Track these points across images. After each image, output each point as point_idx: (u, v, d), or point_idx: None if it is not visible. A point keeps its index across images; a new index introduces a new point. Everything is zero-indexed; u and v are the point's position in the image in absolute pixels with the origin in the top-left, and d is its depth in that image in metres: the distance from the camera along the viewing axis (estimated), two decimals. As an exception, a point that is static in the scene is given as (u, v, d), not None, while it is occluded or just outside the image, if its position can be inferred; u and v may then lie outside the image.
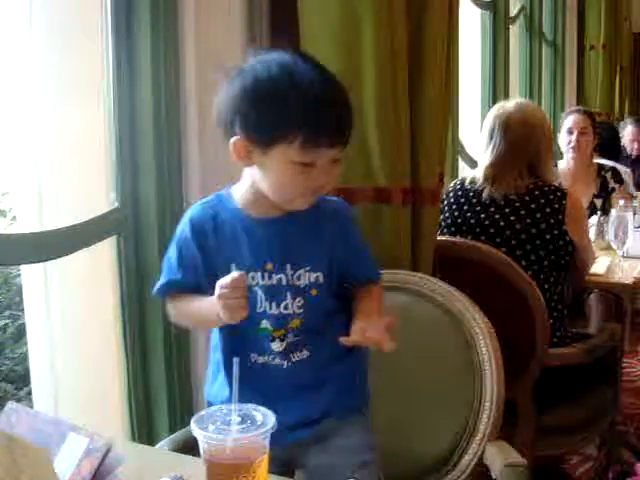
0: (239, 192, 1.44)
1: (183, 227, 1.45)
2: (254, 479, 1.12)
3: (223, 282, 1.30)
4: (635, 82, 13.76)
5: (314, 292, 1.43)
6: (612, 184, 4.13)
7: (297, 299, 1.42)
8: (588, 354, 2.51)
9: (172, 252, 1.46)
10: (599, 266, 3.08)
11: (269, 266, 1.41)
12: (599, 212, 3.63)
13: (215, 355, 1.52)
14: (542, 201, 2.55)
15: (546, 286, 2.55)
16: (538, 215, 2.54)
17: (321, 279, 1.43)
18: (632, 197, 4.04)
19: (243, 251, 1.40)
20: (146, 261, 1.93)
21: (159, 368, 1.94)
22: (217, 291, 1.30)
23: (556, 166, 4.11)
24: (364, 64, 1.95)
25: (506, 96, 4.95)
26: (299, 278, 1.41)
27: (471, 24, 4.99)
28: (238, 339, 1.44)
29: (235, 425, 1.13)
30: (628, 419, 3.60)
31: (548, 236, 2.53)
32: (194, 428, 1.12)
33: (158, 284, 1.47)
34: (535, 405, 2.42)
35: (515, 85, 5.78)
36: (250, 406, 1.16)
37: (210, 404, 1.49)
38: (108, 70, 1.87)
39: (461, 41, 3.14)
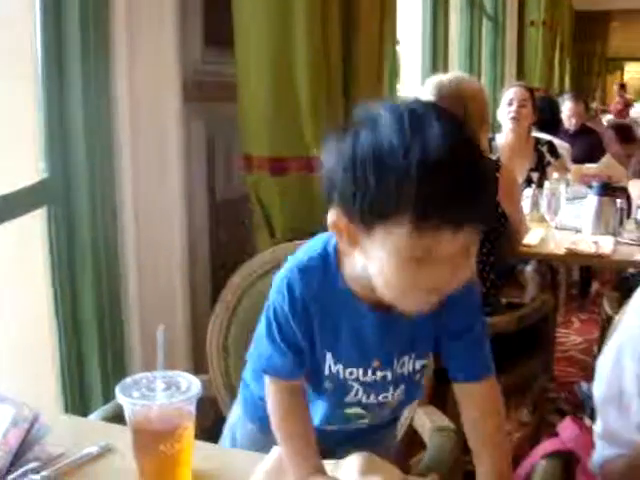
0: (350, 265, 1.10)
1: (281, 301, 1.15)
2: (180, 445, 1.14)
3: None
4: (575, 59, 14.02)
5: (417, 377, 1.24)
6: (548, 158, 4.20)
7: (399, 388, 1.24)
8: (519, 322, 2.57)
9: (274, 326, 1.17)
10: (532, 237, 3.14)
11: (375, 364, 1.19)
12: (534, 185, 3.69)
13: None
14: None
15: (479, 256, 2.59)
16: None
17: (426, 364, 1.24)
18: (567, 170, 4.12)
19: (344, 342, 1.17)
20: (77, 232, 1.91)
21: (92, 340, 1.94)
22: None
23: (494, 140, 4.17)
24: (296, 32, 1.96)
25: (445, 69, 5.01)
26: (403, 366, 1.21)
27: (412, -3, 5.02)
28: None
29: (160, 391, 1.14)
30: (560, 387, 3.70)
31: (481, 207, 2.57)
32: (119, 395, 1.13)
33: (263, 362, 1.20)
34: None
35: (455, 59, 5.83)
36: (175, 373, 1.17)
37: None
38: (36, 39, 1.84)
39: (401, 14, 3.16)
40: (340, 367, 1.18)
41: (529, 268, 3.72)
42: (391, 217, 0.92)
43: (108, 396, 1.92)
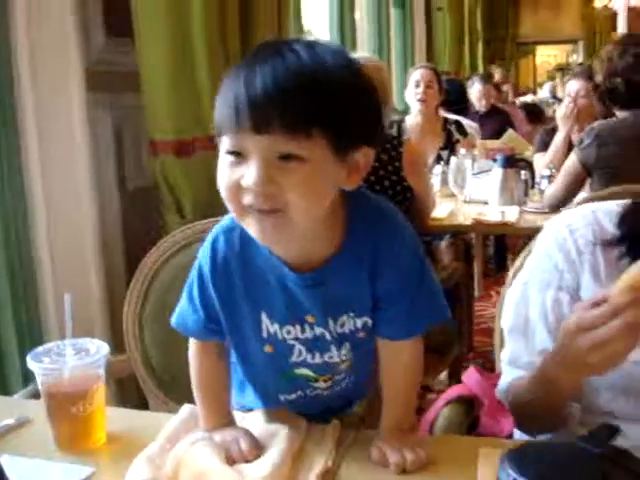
0: None
1: (204, 261, 1.18)
2: (92, 406, 1.20)
3: None
4: (487, 44, 14.33)
5: (362, 335, 1.21)
6: (457, 136, 4.35)
7: (343, 346, 1.22)
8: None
9: (195, 284, 1.20)
10: (442, 210, 3.26)
11: (310, 319, 1.18)
12: (442, 162, 3.82)
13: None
14: (379, 149, 2.68)
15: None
16: (376, 163, 2.67)
17: (369, 323, 1.19)
18: (474, 147, 4.27)
19: (277, 302, 1.17)
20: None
21: (7, 321, 1.97)
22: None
23: (404, 122, 4.28)
24: (193, 18, 2.02)
25: (354, 56, 5.09)
26: (343, 325, 1.19)
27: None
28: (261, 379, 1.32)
29: (70, 356, 1.19)
30: (479, 356, 3.84)
31: (387, 182, 2.67)
32: (30, 362, 1.18)
33: (178, 316, 1.24)
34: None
35: (365, 47, 5.94)
36: (84, 340, 1.23)
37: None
38: None
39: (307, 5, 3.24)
40: (277, 326, 1.19)
41: (443, 244, 3.84)
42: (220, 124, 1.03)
43: (28, 376, 1.95)
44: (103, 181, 2.24)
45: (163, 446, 1.14)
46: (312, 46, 1.03)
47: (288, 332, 1.20)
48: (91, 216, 2.16)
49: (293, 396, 1.29)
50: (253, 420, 1.23)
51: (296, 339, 1.20)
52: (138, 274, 1.87)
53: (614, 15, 14.71)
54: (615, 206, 1.35)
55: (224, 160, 1.03)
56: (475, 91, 6.22)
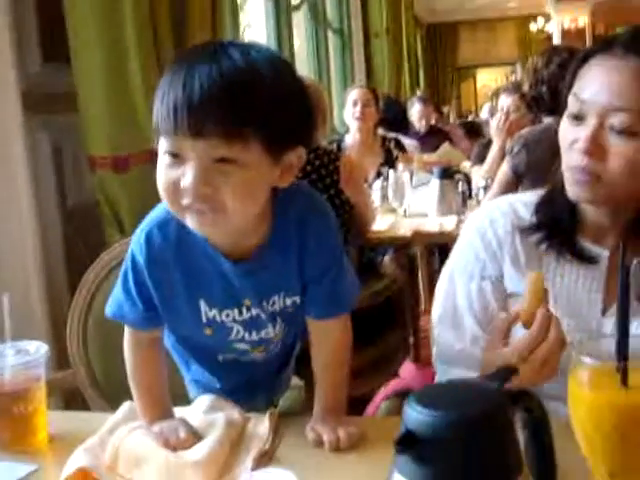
0: None
1: (138, 252, 1.20)
2: (33, 406, 1.22)
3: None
4: (429, 69, 14.61)
5: (291, 310, 1.28)
6: (396, 152, 4.44)
7: (277, 323, 1.30)
8: (372, 298, 2.73)
9: (129, 275, 1.22)
10: (382, 223, 3.34)
11: (247, 302, 1.24)
12: (382, 178, 3.90)
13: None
14: (317, 163, 2.75)
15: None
16: (314, 176, 2.73)
17: (298, 301, 1.27)
18: (412, 161, 4.36)
19: (215, 289, 1.22)
20: None
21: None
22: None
23: (343, 141, 4.37)
24: (126, 38, 2.07)
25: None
26: (273, 304, 1.26)
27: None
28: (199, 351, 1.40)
29: (10, 357, 1.22)
30: (428, 365, 3.88)
31: (324, 195, 2.73)
32: (-31, 363, 1.20)
33: (114, 307, 1.27)
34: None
35: (304, 72, 6.03)
36: (24, 342, 1.26)
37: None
38: None
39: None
40: (215, 311, 1.24)
41: (387, 258, 3.91)
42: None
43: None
44: (43, 198, 2.26)
45: (103, 438, 1.17)
46: (247, 50, 1.08)
47: (227, 315, 1.25)
48: (32, 233, 2.17)
49: (229, 357, 1.35)
50: (191, 412, 1.27)
51: (234, 321, 1.26)
52: (80, 289, 1.88)
53: (549, 37, 15.14)
54: (532, 196, 1.42)
55: (162, 160, 1.08)
56: (415, 112, 6.34)
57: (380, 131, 4.70)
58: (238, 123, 1.03)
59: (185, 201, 1.06)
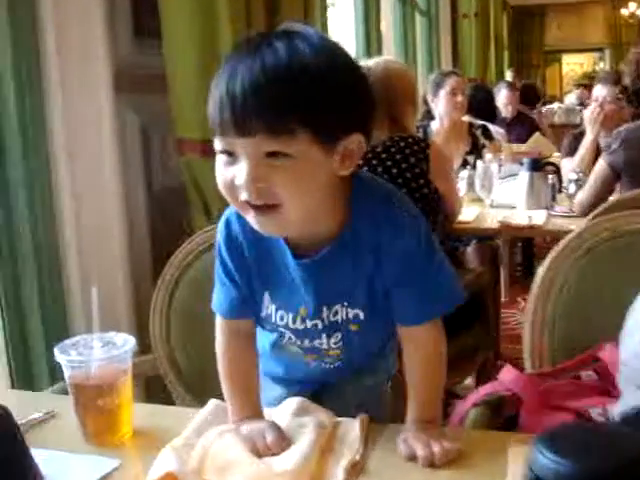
0: None
1: (221, 240, 1.22)
2: (119, 399, 1.20)
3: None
4: (514, 52, 14.29)
5: (354, 328, 1.23)
6: (482, 140, 4.31)
7: (334, 336, 1.25)
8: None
9: (218, 263, 1.24)
10: (469, 214, 3.24)
11: (302, 312, 1.22)
12: (469, 167, 3.79)
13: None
14: (407, 152, 2.67)
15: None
16: (404, 165, 2.65)
17: (361, 316, 1.22)
18: (500, 151, 4.24)
19: (280, 284, 1.21)
20: (17, 220, 1.95)
21: (34, 316, 1.97)
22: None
23: (429, 126, 4.26)
24: (220, 18, 2.04)
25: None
26: (336, 314, 1.21)
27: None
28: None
29: (98, 349, 1.19)
30: (507, 361, 3.78)
31: (414, 185, 2.65)
32: (58, 354, 1.18)
33: (214, 298, 1.27)
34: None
35: (391, 54, 5.93)
36: (111, 333, 1.23)
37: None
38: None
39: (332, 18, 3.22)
40: (273, 308, 1.23)
41: (470, 249, 3.82)
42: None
43: (55, 372, 1.95)
44: (130, 180, 2.25)
45: (189, 439, 1.13)
46: (293, 42, 1.04)
47: (281, 318, 1.23)
48: (118, 214, 2.17)
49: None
50: (280, 413, 1.23)
51: (286, 327, 1.24)
52: (165, 273, 1.87)
53: (641, 23, 14.63)
54: None
55: (219, 159, 1.07)
56: (502, 97, 6.18)
57: (466, 118, 4.57)
58: (281, 117, 1.01)
59: (242, 197, 1.05)
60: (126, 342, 1.21)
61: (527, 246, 5.51)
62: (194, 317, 1.80)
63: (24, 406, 1.38)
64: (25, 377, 1.98)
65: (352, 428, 1.18)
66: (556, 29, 16.11)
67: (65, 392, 1.27)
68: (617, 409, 1.33)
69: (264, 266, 1.20)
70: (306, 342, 1.26)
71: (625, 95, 2.89)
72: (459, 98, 4.19)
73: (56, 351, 1.18)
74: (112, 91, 2.15)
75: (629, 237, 1.72)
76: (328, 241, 1.15)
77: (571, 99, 11.54)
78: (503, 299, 4.82)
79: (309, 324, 1.22)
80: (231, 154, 1.04)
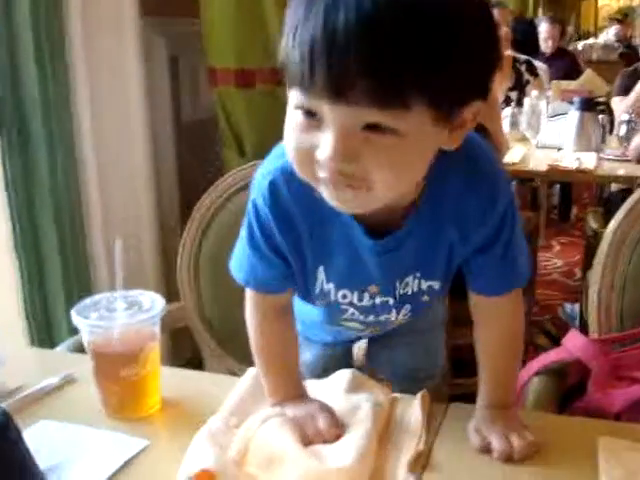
0: None
1: (262, 203, 0.96)
2: (145, 370, 1.04)
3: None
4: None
5: (425, 298, 1.07)
6: (527, 76, 4.10)
7: (404, 308, 1.09)
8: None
9: (256, 230, 0.99)
10: (514, 155, 3.04)
11: (373, 289, 1.04)
12: (513, 104, 3.58)
13: None
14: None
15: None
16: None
17: (436, 287, 1.05)
18: (546, 88, 4.01)
19: (339, 263, 1.00)
20: (33, 158, 1.78)
21: (56, 275, 1.83)
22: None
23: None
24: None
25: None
26: (406, 286, 1.04)
27: None
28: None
29: (120, 311, 1.04)
30: (543, 310, 3.65)
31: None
32: (75, 317, 1.02)
33: (243, 270, 1.03)
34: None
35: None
36: (137, 292, 1.07)
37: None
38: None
39: None
40: (332, 287, 1.03)
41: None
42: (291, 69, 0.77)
43: (73, 329, 1.83)
44: (157, 114, 2.09)
45: (227, 421, 0.98)
46: None
47: (344, 296, 1.05)
48: (144, 152, 2.00)
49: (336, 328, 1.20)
50: (329, 390, 1.07)
51: (350, 304, 1.06)
52: (194, 216, 1.72)
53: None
54: None
55: (293, 117, 0.80)
56: (542, 31, 5.91)
57: (509, 52, 4.33)
58: (398, 82, 0.73)
59: (322, 174, 0.80)
60: (154, 303, 1.05)
61: (565, 189, 5.31)
62: (225, 264, 1.66)
63: (41, 366, 1.28)
64: (44, 334, 1.85)
65: (412, 407, 1.03)
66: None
67: (82, 349, 1.10)
68: None
69: (320, 240, 0.97)
70: (371, 317, 1.09)
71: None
72: (503, 30, 3.95)
73: (73, 313, 1.03)
74: (137, 14, 1.95)
75: None
76: (403, 212, 0.94)
77: (609, 35, 11.12)
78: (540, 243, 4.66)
79: (378, 300, 1.05)
80: (314, 114, 0.78)
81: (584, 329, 1.58)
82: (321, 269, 1.01)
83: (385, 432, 0.98)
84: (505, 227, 0.96)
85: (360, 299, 1.04)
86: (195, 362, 1.74)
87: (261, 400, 1.04)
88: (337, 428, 0.96)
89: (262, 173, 0.95)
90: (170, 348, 1.85)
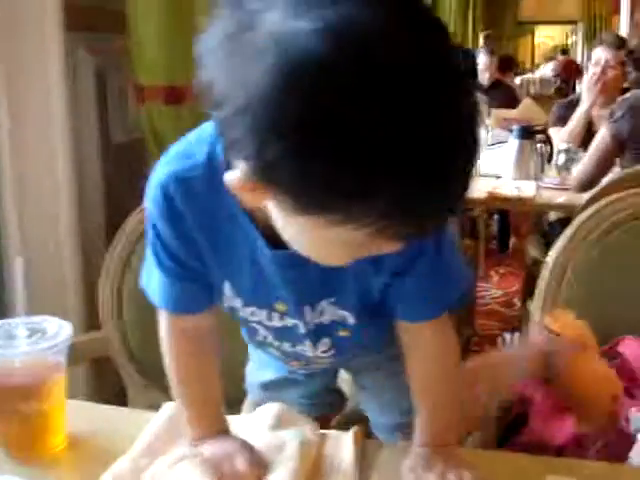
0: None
1: (154, 210, 0.86)
2: (48, 402, 0.94)
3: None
4: (488, 22, 14.09)
5: (344, 334, 0.98)
6: (466, 106, 4.09)
7: (321, 342, 0.99)
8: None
9: (159, 248, 0.89)
10: (453, 183, 3.00)
11: (280, 307, 0.94)
12: (452, 132, 3.56)
13: None
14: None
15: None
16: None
17: (350, 320, 0.95)
18: (486, 117, 4.01)
19: (243, 276, 0.91)
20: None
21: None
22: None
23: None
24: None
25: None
26: (322, 314, 0.95)
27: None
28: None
29: (22, 339, 0.93)
30: (483, 340, 3.62)
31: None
32: (-32, 345, 0.92)
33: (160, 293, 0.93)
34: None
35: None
36: (41, 318, 0.96)
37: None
38: None
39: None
40: (239, 303, 0.94)
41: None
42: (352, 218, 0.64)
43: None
44: (83, 132, 1.97)
45: (136, 462, 0.88)
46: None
47: (252, 314, 0.96)
48: (68, 173, 1.89)
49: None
50: (253, 426, 0.98)
51: (260, 323, 0.97)
52: (118, 239, 1.63)
53: (617, -4, 14.39)
54: None
55: (337, 246, 0.71)
56: (481, 63, 5.97)
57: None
58: None
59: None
60: (60, 330, 0.95)
61: (503, 218, 5.32)
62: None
63: None
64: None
65: (344, 445, 0.94)
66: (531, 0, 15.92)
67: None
68: None
69: (221, 246, 0.87)
70: (286, 346, 1.00)
71: (631, 59, 2.65)
72: None
73: (-34, 340, 0.92)
74: (60, 28, 1.85)
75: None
76: None
77: (546, 70, 11.42)
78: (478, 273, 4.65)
79: (290, 323, 0.95)
80: None
81: (525, 359, 1.53)
82: (227, 284, 0.92)
83: (314, 472, 0.89)
84: (425, 248, 0.87)
85: (269, 318, 0.95)
86: (122, 396, 1.65)
87: (178, 438, 0.94)
88: (259, 468, 0.87)
89: (153, 183, 0.85)
90: (90, 380, 1.74)
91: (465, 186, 0.66)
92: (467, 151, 0.64)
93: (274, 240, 0.80)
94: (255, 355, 1.21)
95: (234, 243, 0.86)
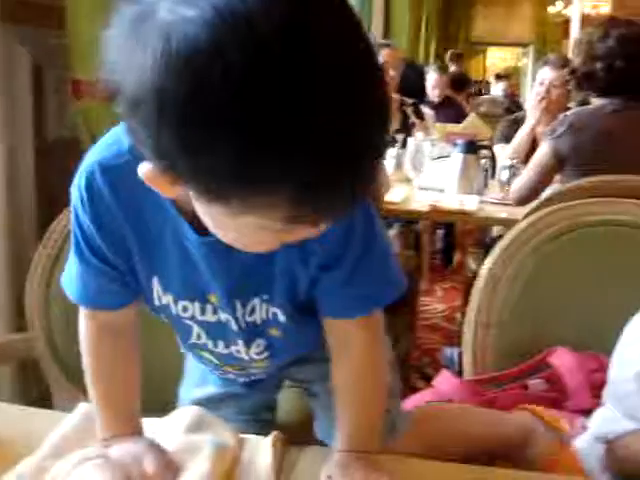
0: None
1: (78, 202, 0.84)
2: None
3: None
4: (441, 41, 14.25)
5: (276, 333, 0.96)
6: (413, 119, 4.11)
7: (255, 344, 0.97)
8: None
9: (80, 238, 0.87)
10: (395, 195, 3.00)
11: (212, 298, 0.92)
12: (398, 145, 3.56)
13: None
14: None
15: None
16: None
17: (281, 318, 0.93)
18: (431, 131, 4.05)
19: (172, 267, 0.88)
20: None
21: None
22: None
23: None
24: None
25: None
26: (253, 312, 0.93)
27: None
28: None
29: None
30: (424, 353, 3.62)
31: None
32: None
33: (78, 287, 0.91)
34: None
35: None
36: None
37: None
38: None
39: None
40: (170, 298, 0.91)
41: (392, 232, 3.61)
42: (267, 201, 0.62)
43: None
44: (17, 129, 1.92)
45: (43, 460, 0.84)
46: None
47: (184, 309, 0.93)
48: (-1, 169, 1.84)
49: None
50: (167, 430, 0.94)
51: (192, 319, 0.94)
52: (46, 240, 1.59)
53: (567, 22, 14.62)
54: None
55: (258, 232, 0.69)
56: (431, 80, 6.02)
57: (395, 96, 4.36)
58: None
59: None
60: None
61: (448, 232, 5.36)
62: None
63: None
64: None
65: (263, 450, 0.92)
66: (482, 20, 16.13)
67: None
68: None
69: (147, 239, 0.85)
70: (221, 346, 0.97)
71: (574, 78, 2.68)
72: (390, 73, 3.96)
73: None
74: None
75: (590, 229, 1.52)
76: None
77: (497, 90, 11.58)
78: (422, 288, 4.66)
79: (222, 316, 0.92)
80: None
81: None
82: (155, 279, 0.89)
83: (229, 476, 0.87)
84: (353, 243, 0.85)
85: (203, 312, 0.92)
86: (47, 398, 1.60)
87: (88, 439, 0.90)
88: (168, 471, 0.84)
89: (78, 173, 0.83)
90: (14, 383, 1.69)
91: (367, 171, 0.64)
92: (368, 139, 0.62)
93: (201, 228, 0.78)
94: (192, 371, 1.18)
95: (161, 233, 0.84)
